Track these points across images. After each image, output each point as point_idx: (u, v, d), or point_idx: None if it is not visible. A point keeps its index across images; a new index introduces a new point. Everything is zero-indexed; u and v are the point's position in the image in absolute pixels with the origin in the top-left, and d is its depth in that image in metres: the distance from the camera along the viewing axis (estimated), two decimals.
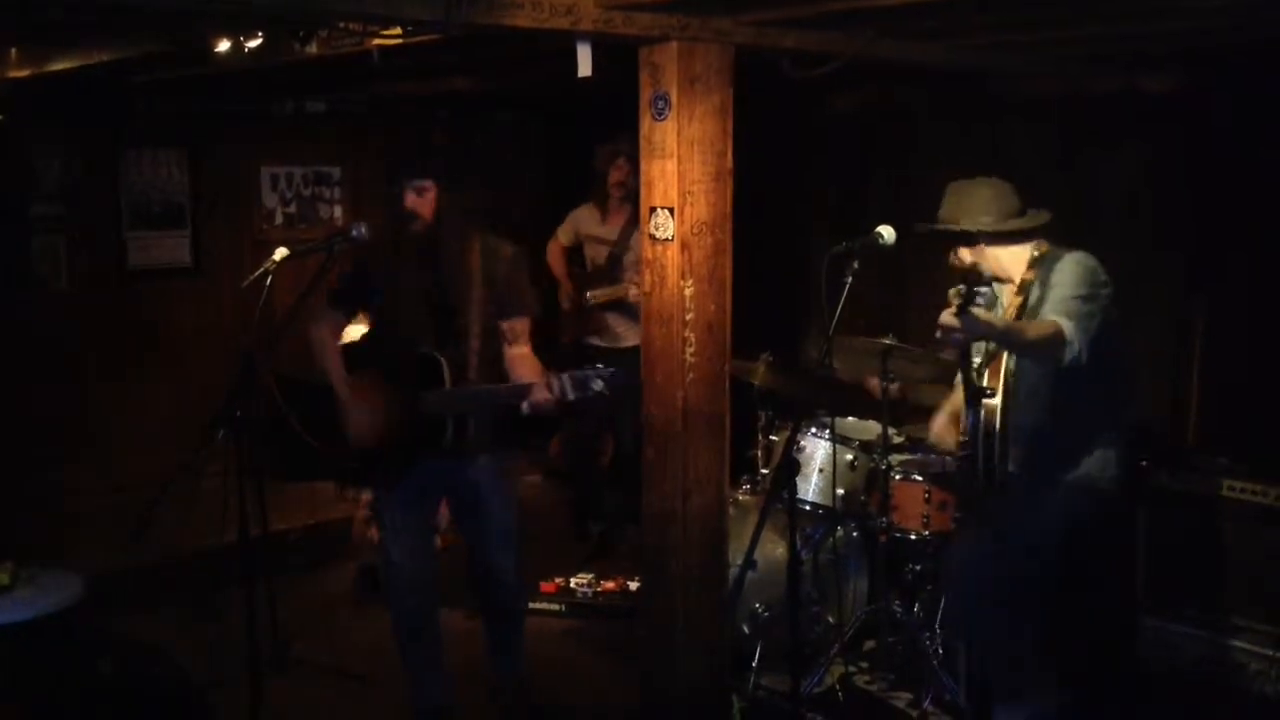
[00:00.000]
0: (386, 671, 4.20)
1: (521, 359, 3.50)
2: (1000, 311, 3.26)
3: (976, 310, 2.79)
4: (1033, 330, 2.99)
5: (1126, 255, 4.71)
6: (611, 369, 3.28)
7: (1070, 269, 3.13)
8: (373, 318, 3.83)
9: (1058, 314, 2.99)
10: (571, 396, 3.17)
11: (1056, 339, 2.93)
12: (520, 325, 3.50)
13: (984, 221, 3.21)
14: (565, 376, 3.21)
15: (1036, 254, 3.24)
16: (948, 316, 2.98)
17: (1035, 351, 3.02)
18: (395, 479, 3.52)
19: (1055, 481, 3.26)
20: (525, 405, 3.28)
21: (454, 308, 3.45)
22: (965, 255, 3.29)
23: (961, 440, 3.13)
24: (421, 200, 3.39)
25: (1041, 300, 3.15)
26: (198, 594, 4.72)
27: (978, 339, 3.04)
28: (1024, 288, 3.22)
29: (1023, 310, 3.18)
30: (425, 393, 3.35)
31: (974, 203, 3.24)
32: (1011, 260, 3.28)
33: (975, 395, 3.03)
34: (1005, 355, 3.15)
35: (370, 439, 3.52)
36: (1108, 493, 3.28)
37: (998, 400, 3.06)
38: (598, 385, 3.16)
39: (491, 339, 3.47)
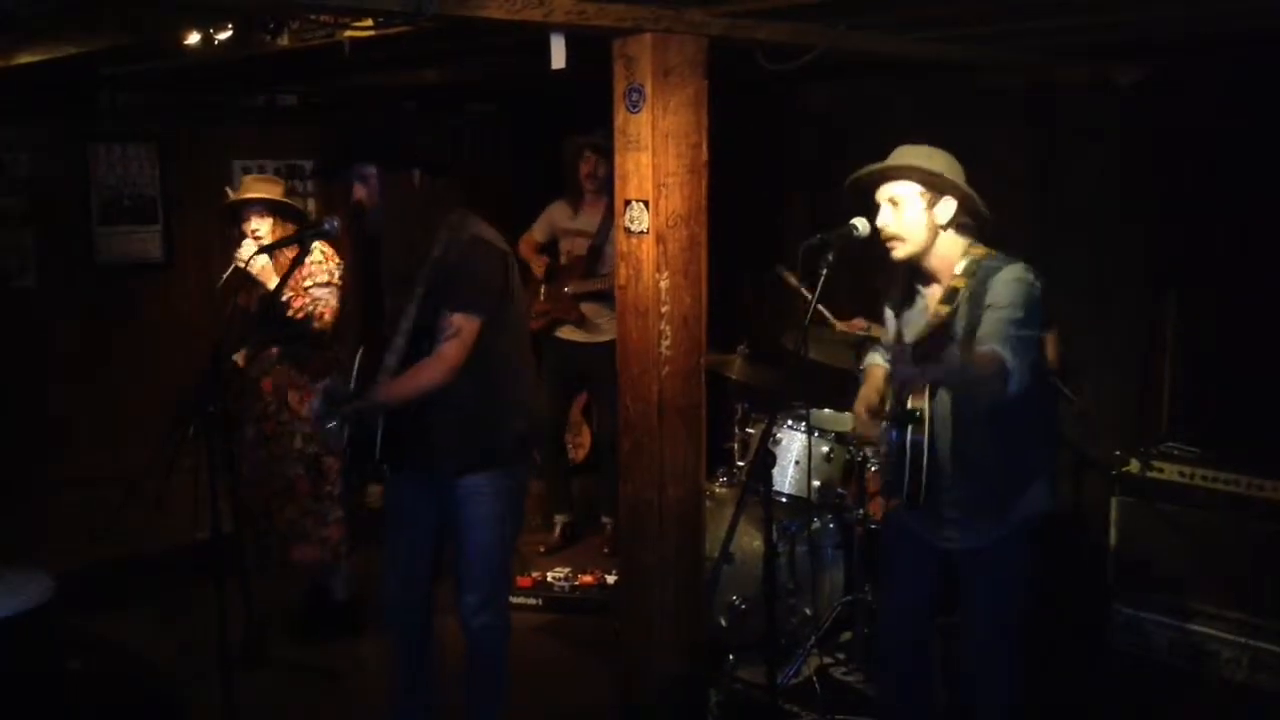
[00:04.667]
0: (362, 668, 4.19)
1: (431, 356, 3.10)
2: (923, 322, 3.00)
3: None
4: (976, 367, 2.74)
5: (1098, 247, 4.76)
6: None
7: (1010, 288, 2.82)
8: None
9: (997, 342, 2.74)
10: (325, 424, 2.91)
11: (1000, 373, 2.69)
12: (450, 320, 3.07)
13: (916, 160, 2.87)
14: (317, 400, 2.93)
15: (969, 257, 2.92)
16: (864, 414, 2.90)
17: (979, 388, 2.77)
18: (361, 479, 3.40)
19: (1006, 531, 3.00)
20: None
21: (394, 300, 3.16)
22: (910, 224, 2.89)
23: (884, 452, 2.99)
24: (367, 189, 3.12)
25: (974, 319, 2.86)
26: (170, 591, 4.68)
27: (922, 388, 2.86)
28: (951, 296, 2.91)
29: (949, 325, 2.90)
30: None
31: (940, 161, 2.91)
32: (948, 256, 2.95)
33: (901, 419, 2.86)
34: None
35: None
36: (1048, 514, 3.06)
37: (924, 426, 2.88)
38: (334, 427, 2.94)
39: (430, 333, 3.11)
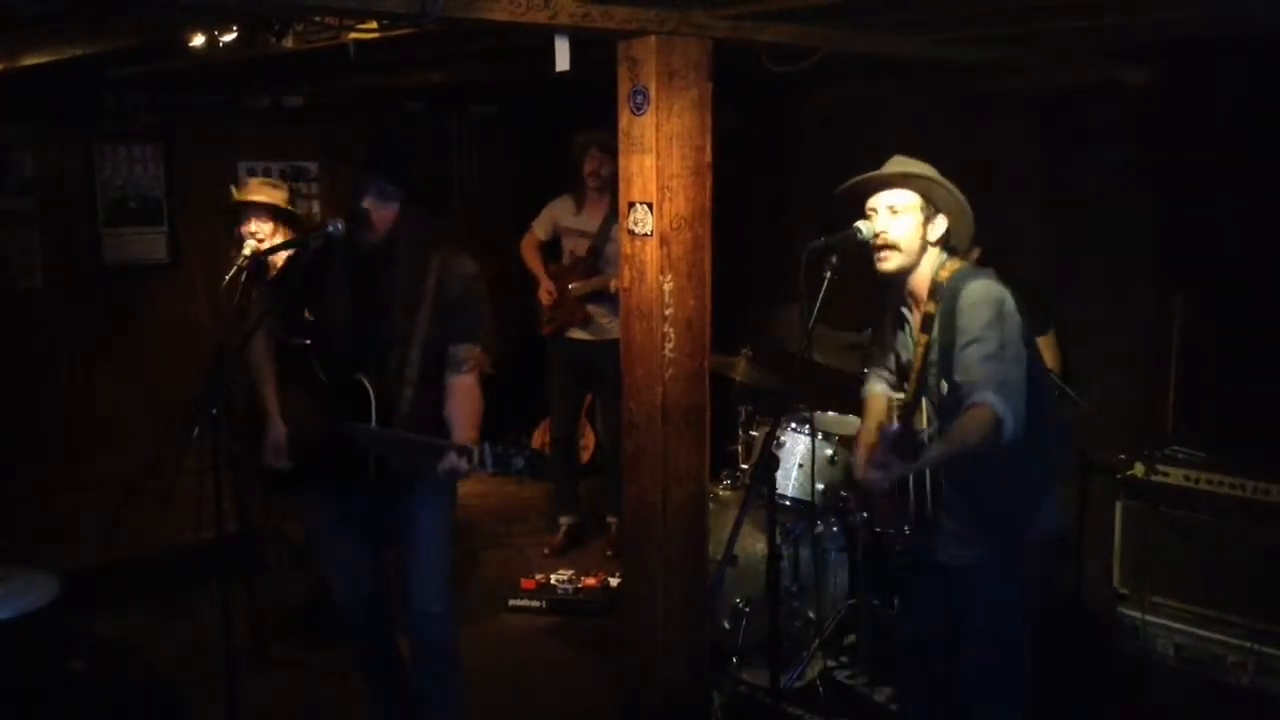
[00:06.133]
0: None
1: (458, 390, 3.16)
2: (912, 348, 2.98)
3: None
4: (973, 433, 2.66)
5: (1104, 249, 4.75)
6: (530, 450, 2.94)
7: (975, 313, 2.75)
8: (315, 321, 3.38)
9: (981, 388, 2.68)
10: (490, 471, 2.87)
11: (993, 426, 2.65)
12: (465, 352, 3.17)
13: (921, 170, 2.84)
14: (487, 447, 2.88)
15: (941, 276, 2.88)
16: (868, 468, 2.72)
17: (981, 448, 2.68)
18: (314, 499, 3.33)
19: (1009, 543, 2.94)
20: (439, 468, 2.92)
21: (396, 333, 3.14)
22: (903, 232, 2.86)
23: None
24: (382, 207, 3.08)
25: (945, 348, 2.82)
26: (172, 592, 4.69)
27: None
28: (928, 323, 2.89)
29: (926, 357, 2.89)
30: (352, 424, 3.09)
31: (918, 164, 2.90)
32: (923, 272, 2.92)
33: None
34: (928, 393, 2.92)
35: (291, 453, 3.26)
36: (1060, 535, 3.01)
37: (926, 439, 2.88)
38: (519, 464, 2.86)
39: (435, 367, 3.17)
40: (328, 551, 3.47)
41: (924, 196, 2.88)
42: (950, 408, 2.84)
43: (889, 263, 2.89)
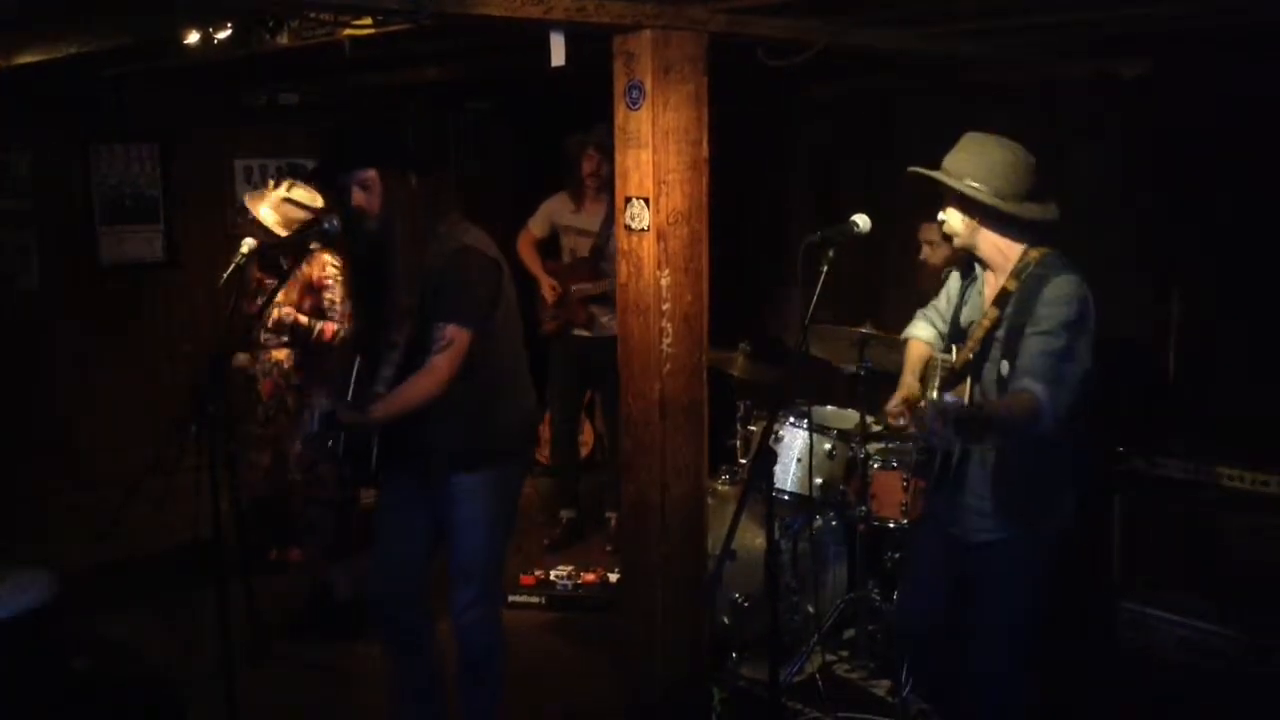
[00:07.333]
0: (367, 667, 4.19)
1: (423, 369, 3.06)
2: (979, 314, 2.98)
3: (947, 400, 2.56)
4: (1016, 415, 2.69)
5: (1101, 244, 4.74)
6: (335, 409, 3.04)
7: (1053, 309, 2.78)
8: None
9: (1034, 378, 2.72)
10: (314, 428, 2.96)
11: (1034, 415, 2.68)
12: (439, 330, 3.04)
13: (986, 189, 2.84)
14: (317, 412, 2.96)
15: (1028, 260, 2.89)
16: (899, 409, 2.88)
17: (1017, 431, 2.73)
18: (356, 485, 3.38)
19: (1029, 533, 2.97)
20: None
21: (389, 310, 3.10)
22: (953, 222, 2.95)
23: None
24: (368, 194, 3.06)
25: (1017, 330, 2.83)
26: (171, 591, 4.69)
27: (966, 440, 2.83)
28: (1003, 299, 2.89)
29: (994, 330, 2.89)
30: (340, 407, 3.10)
31: (985, 163, 2.88)
32: (1001, 251, 2.94)
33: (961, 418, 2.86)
34: (971, 364, 2.93)
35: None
36: (1071, 532, 3.04)
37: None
38: (325, 409, 2.98)
39: (423, 345, 3.08)
40: (378, 528, 3.44)
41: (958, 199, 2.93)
42: (1004, 390, 2.86)
43: (952, 240, 3.01)
